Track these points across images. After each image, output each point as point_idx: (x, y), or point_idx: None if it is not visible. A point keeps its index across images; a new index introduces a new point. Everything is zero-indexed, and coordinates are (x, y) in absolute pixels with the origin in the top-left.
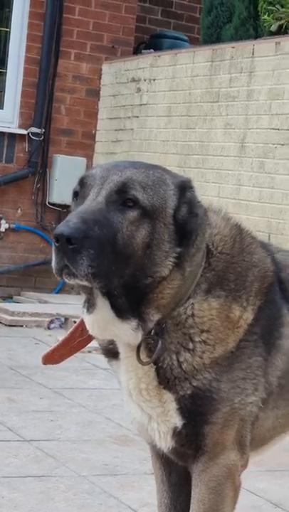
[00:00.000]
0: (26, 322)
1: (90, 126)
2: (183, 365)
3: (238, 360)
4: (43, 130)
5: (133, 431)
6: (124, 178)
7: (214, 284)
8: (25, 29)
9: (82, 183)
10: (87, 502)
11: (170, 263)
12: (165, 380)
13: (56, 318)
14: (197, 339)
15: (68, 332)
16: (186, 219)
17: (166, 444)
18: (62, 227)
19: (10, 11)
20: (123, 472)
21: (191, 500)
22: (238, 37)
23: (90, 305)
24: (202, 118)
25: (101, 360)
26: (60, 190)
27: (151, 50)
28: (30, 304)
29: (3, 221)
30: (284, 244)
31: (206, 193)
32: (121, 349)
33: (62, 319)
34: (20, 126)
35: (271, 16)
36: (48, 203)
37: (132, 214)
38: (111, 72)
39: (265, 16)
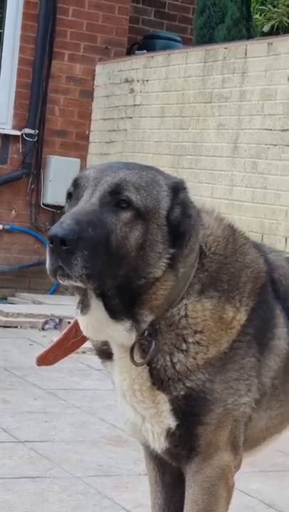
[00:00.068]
0: (21, 323)
1: (84, 127)
2: (176, 366)
3: (231, 360)
4: (37, 131)
5: (127, 432)
6: (118, 179)
7: (207, 285)
8: (19, 30)
9: (76, 184)
10: (81, 503)
11: (163, 264)
12: (159, 380)
13: (51, 319)
14: (190, 340)
15: (62, 333)
16: (179, 220)
17: (159, 444)
18: (57, 229)
19: (3, 12)
20: (117, 473)
21: (185, 501)
22: (230, 37)
23: (83, 306)
24: (195, 118)
25: (95, 361)
26: (54, 191)
27: (145, 51)
28: (25, 305)
29: None
30: (277, 244)
31: (199, 194)
32: (115, 350)
33: (57, 320)
34: (14, 128)
35: (263, 15)
36: (42, 204)
37: (126, 215)
38: (104, 73)
39: (257, 16)
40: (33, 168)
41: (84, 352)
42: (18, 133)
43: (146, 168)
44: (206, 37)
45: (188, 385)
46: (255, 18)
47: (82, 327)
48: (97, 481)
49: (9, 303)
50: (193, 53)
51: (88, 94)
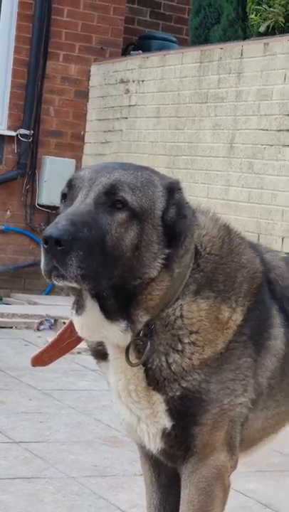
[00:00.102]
0: (16, 324)
1: (79, 128)
2: (172, 367)
3: (227, 361)
4: (32, 131)
5: (122, 432)
6: (113, 179)
7: (203, 285)
8: (14, 31)
9: (71, 185)
10: (76, 503)
11: (159, 264)
12: (154, 381)
13: (46, 320)
14: (186, 340)
15: (57, 334)
16: (175, 220)
17: (155, 445)
18: (51, 229)
19: None
20: (113, 473)
21: (181, 502)
22: (226, 38)
23: (78, 307)
24: (191, 119)
25: (90, 361)
26: (49, 192)
27: (140, 52)
28: (20, 306)
29: None
30: (273, 244)
31: (195, 194)
32: (110, 350)
33: (52, 321)
34: (9, 128)
35: (259, 15)
36: (37, 204)
37: (121, 216)
38: (100, 73)
39: (253, 16)
40: (28, 169)
41: (79, 352)
42: (13, 133)
43: (142, 168)
44: (201, 37)
45: (183, 385)
46: (251, 18)
47: (77, 328)
48: (92, 482)
49: (4, 303)
50: (189, 54)
51: (83, 95)
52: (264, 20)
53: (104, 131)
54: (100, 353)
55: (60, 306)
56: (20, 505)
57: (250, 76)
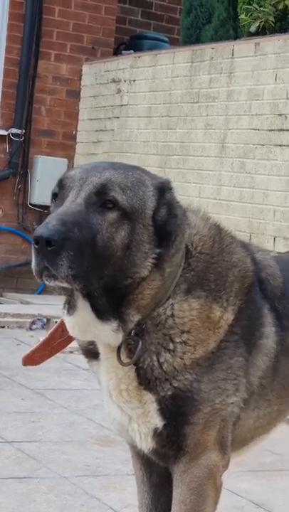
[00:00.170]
0: (8, 323)
1: (71, 127)
2: (163, 366)
3: (218, 360)
4: (24, 131)
5: (114, 431)
6: (104, 179)
7: (194, 285)
8: (5, 30)
9: (61, 184)
10: (68, 503)
11: (149, 264)
12: (145, 380)
13: (38, 319)
14: (178, 340)
15: (48, 333)
16: (166, 220)
17: (146, 444)
18: (42, 229)
19: None
20: (105, 473)
21: (172, 501)
22: (217, 38)
23: (70, 307)
24: (182, 118)
25: (83, 360)
26: (41, 191)
27: (131, 51)
28: (12, 305)
29: None
30: (265, 244)
31: (186, 194)
32: (101, 350)
33: (45, 320)
34: (1, 128)
35: (249, 15)
36: (29, 203)
37: (112, 215)
38: (91, 73)
39: (243, 16)
40: (20, 168)
41: (71, 352)
42: (4, 133)
43: (132, 168)
44: (193, 37)
45: (175, 385)
46: (242, 18)
47: (68, 327)
48: (84, 481)
49: None
50: (180, 53)
51: (75, 94)
52: (254, 19)
53: (96, 131)
54: (91, 352)
55: (53, 306)
56: (12, 505)
57: (242, 76)
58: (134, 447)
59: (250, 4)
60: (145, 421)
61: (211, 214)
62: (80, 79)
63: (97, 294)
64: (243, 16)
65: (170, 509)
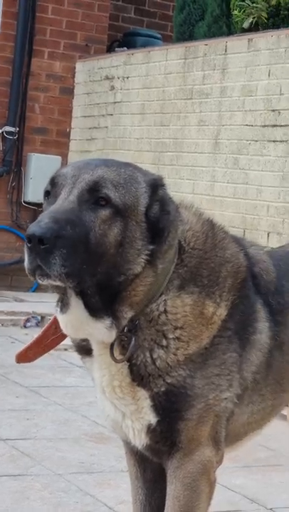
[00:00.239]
0: (2, 321)
1: (65, 125)
2: (157, 362)
3: (212, 356)
4: (17, 129)
5: (109, 428)
6: (96, 176)
7: (187, 280)
8: None
9: (54, 182)
10: (63, 500)
11: (142, 260)
12: (139, 377)
13: (32, 317)
14: (171, 336)
15: (42, 330)
16: (158, 216)
17: (140, 441)
18: (34, 228)
19: None
20: (99, 470)
21: (166, 497)
22: (210, 34)
23: (63, 305)
24: (176, 115)
25: (77, 358)
26: (35, 189)
27: (125, 48)
28: (7, 303)
29: None
30: (259, 239)
31: (180, 190)
32: (94, 346)
33: (39, 318)
34: None
35: (242, 11)
36: (23, 201)
37: (104, 213)
38: (85, 70)
39: (236, 12)
40: (14, 166)
41: (66, 349)
42: None
43: (125, 165)
44: (186, 34)
45: (168, 381)
46: (235, 14)
47: (61, 325)
48: (79, 478)
49: None
50: (174, 50)
51: (68, 92)
52: (247, 16)
53: (90, 128)
54: (84, 349)
55: (47, 303)
56: (6, 503)
57: (235, 72)
58: (127, 443)
59: (243, 0)
60: (139, 417)
61: (205, 210)
62: (73, 76)
63: (90, 292)
64: (236, 12)
65: (164, 505)
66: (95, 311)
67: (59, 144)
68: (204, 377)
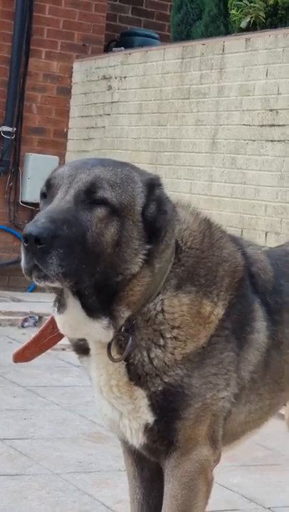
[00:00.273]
0: (0, 321)
1: (62, 125)
2: (154, 362)
3: (209, 355)
4: (15, 129)
5: (107, 428)
6: (93, 176)
7: (184, 280)
8: None
9: (49, 184)
10: (61, 500)
11: (140, 260)
12: (136, 376)
13: (30, 317)
14: (168, 335)
15: (39, 330)
16: (155, 216)
17: (137, 440)
18: (31, 227)
19: None
20: (97, 469)
21: (164, 496)
22: (208, 34)
23: (60, 305)
24: (173, 115)
25: (74, 357)
26: (33, 189)
27: (122, 48)
28: (4, 303)
29: None
30: (257, 239)
31: (178, 190)
32: (92, 346)
33: (37, 317)
34: None
35: (240, 11)
36: (21, 201)
37: (101, 212)
38: (82, 70)
39: (234, 11)
40: (11, 166)
41: (63, 349)
42: None
43: (121, 164)
44: (183, 33)
45: (166, 380)
46: (232, 14)
47: (59, 326)
48: (76, 478)
49: None
50: (171, 50)
51: (66, 92)
52: (245, 15)
53: (87, 128)
54: (81, 348)
55: (45, 303)
56: (4, 503)
57: (232, 72)
58: (125, 443)
59: (241, 0)
60: (136, 416)
61: (203, 210)
62: (70, 76)
63: (88, 292)
64: (233, 12)
65: (161, 504)
66: (92, 311)
67: (56, 143)
68: (202, 377)
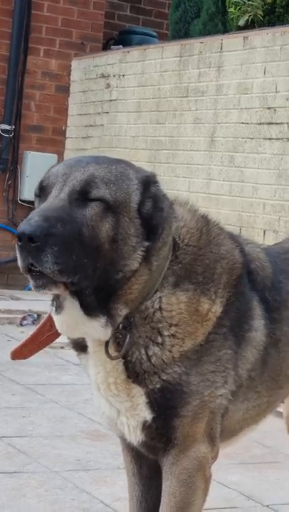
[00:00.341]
0: None
1: (60, 123)
2: (152, 359)
3: (207, 353)
4: (13, 127)
5: (105, 425)
6: (87, 174)
7: (182, 277)
8: None
9: (44, 183)
10: (59, 498)
11: (138, 256)
12: (134, 374)
13: (29, 315)
14: (166, 333)
15: (37, 327)
16: (151, 213)
17: (135, 437)
18: (24, 226)
19: None
20: (96, 467)
21: (162, 493)
22: (206, 32)
23: (58, 305)
24: (171, 113)
25: (73, 355)
26: (31, 187)
27: (120, 46)
28: (3, 301)
29: None
30: (255, 237)
31: (176, 188)
32: (89, 343)
33: (35, 316)
34: None
35: (238, 9)
36: (20, 199)
37: (95, 208)
38: (80, 68)
39: (232, 9)
40: (10, 164)
41: (62, 347)
42: None
43: (117, 161)
44: (181, 32)
45: (164, 378)
46: (230, 12)
47: (57, 325)
48: (75, 476)
49: None
50: (169, 48)
51: (64, 90)
52: (243, 13)
53: (86, 126)
54: (80, 345)
55: (43, 302)
56: (2, 500)
57: (230, 70)
58: (124, 440)
59: None
60: (134, 414)
61: (201, 208)
62: (69, 74)
63: (88, 292)
64: (231, 10)
65: (160, 501)
66: (90, 310)
67: (55, 141)
68: (199, 374)
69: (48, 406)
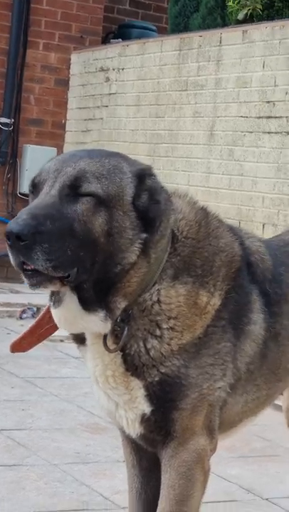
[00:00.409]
0: None
1: (60, 116)
2: (150, 352)
3: (206, 346)
4: (13, 120)
5: (105, 419)
6: (78, 170)
7: (181, 270)
8: None
9: (37, 179)
10: (58, 490)
11: (136, 249)
12: (133, 366)
13: (28, 308)
14: (165, 326)
15: (36, 320)
16: (148, 206)
17: (134, 430)
18: (12, 225)
19: None
20: (95, 460)
21: (161, 486)
22: (205, 26)
23: (56, 299)
24: (171, 107)
25: (73, 348)
26: None
27: (120, 40)
28: (2, 294)
29: None
30: (254, 230)
31: (175, 182)
32: (87, 336)
33: (35, 309)
34: None
35: (237, 3)
36: (19, 193)
37: (86, 203)
38: (80, 61)
39: (231, 3)
40: (9, 158)
41: (61, 340)
42: None
43: (110, 155)
44: (181, 25)
45: (162, 370)
46: (229, 5)
47: (55, 320)
48: (74, 469)
49: None
50: (169, 42)
51: (64, 83)
52: (242, 7)
53: (85, 120)
54: (79, 338)
55: (43, 295)
56: (1, 493)
57: (230, 63)
58: (123, 431)
59: None
60: (132, 407)
61: (200, 202)
62: (68, 68)
63: (86, 286)
64: (230, 4)
65: (159, 493)
66: (88, 304)
67: (54, 135)
68: (198, 367)
69: (47, 399)
